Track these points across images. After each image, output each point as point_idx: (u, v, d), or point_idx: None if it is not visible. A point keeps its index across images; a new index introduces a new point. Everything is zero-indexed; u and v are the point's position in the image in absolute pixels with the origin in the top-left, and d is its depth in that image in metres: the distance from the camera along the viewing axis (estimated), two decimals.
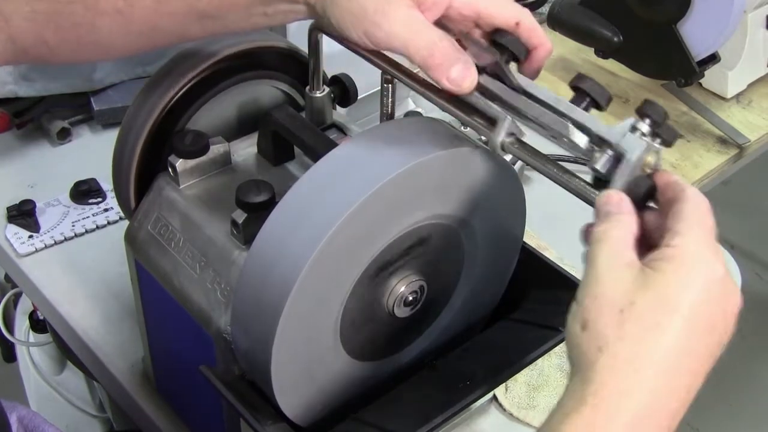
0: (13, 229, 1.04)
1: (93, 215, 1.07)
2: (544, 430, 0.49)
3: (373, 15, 0.60)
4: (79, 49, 0.69)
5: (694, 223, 0.52)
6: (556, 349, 0.81)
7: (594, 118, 0.58)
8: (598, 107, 0.59)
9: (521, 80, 0.61)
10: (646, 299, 0.49)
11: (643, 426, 0.48)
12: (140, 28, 0.67)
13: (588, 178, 0.58)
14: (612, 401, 0.48)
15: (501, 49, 0.62)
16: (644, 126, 0.55)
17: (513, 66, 0.63)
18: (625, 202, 0.53)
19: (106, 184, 1.09)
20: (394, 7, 0.60)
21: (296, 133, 0.73)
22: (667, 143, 0.56)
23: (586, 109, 0.58)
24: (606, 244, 0.52)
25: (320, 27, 0.68)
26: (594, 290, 0.51)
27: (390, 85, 0.70)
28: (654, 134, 0.55)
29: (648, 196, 0.55)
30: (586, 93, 0.58)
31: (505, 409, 0.86)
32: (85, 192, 1.08)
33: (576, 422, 0.48)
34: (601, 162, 0.56)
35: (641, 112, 0.55)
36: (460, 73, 0.60)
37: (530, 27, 0.63)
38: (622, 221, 0.53)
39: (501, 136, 0.61)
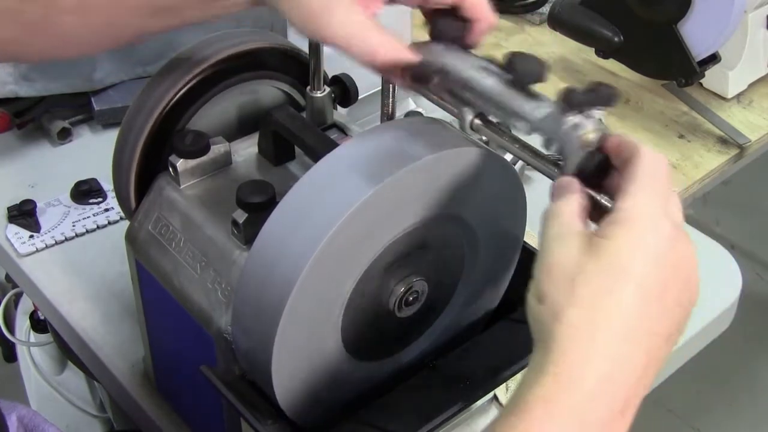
0: (13, 229, 1.04)
1: (93, 215, 1.07)
2: (510, 404, 0.50)
3: (317, 16, 0.61)
4: (47, 46, 0.71)
5: (646, 183, 0.52)
6: None
7: (533, 107, 0.58)
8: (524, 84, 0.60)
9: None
10: (597, 266, 0.50)
11: (606, 392, 0.48)
12: (100, 23, 0.68)
13: None
14: (572, 369, 0.48)
15: (440, 35, 0.64)
16: (573, 109, 0.56)
17: None
18: (573, 182, 0.55)
19: (107, 184, 1.09)
20: (335, 8, 0.61)
21: (297, 133, 0.73)
22: (607, 103, 0.56)
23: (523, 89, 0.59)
24: (555, 218, 0.53)
25: None
26: (547, 262, 0.51)
27: (391, 85, 0.70)
28: (588, 103, 0.55)
29: (601, 168, 0.55)
30: (515, 71, 0.59)
31: None
32: (85, 192, 1.08)
33: (537, 393, 0.48)
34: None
35: (566, 99, 0.55)
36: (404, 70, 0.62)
37: (471, 3, 0.63)
38: (570, 197, 0.54)
39: (470, 115, 0.62)
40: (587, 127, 0.55)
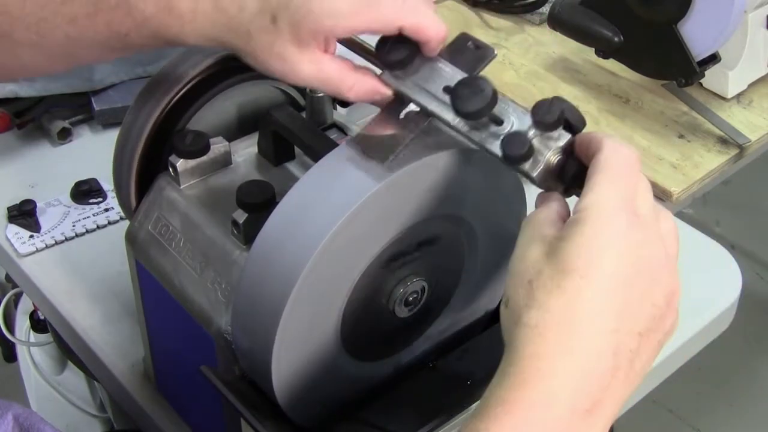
0: (13, 228, 1.04)
1: (93, 215, 1.07)
2: (476, 409, 0.50)
3: (284, 77, 0.64)
4: (4, 71, 0.72)
5: (605, 177, 0.52)
6: None
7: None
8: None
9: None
10: (552, 267, 0.50)
11: (564, 389, 0.48)
12: (59, 56, 0.69)
13: None
14: (527, 369, 0.49)
15: (386, 61, 0.64)
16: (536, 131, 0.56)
17: None
18: (551, 193, 0.56)
19: (107, 184, 1.09)
20: (299, 69, 0.63)
21: (297, 134, 0.73)
22: (575, 130, 0.56)
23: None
24: (527, 225, 0.54)
25: None
26: (512, 268, 0.52)
27: None
28: (553, 126, 0.56)
29: (575, 177, 0.56)
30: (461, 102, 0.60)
31: None
32: (85, 192, 1.08)
33: (498, 394, 0.49)
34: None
35: (534, 118, 0.56)
36: (380, 101, 0.64)
37: (413, 29, 0.62)
38: (547, 205, 0.55)
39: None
40: (550, 149, 0.56)
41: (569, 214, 0.54)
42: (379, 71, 0.65)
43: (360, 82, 0.64)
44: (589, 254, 0.50)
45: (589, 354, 0.49)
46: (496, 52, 0.64)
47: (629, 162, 0.53)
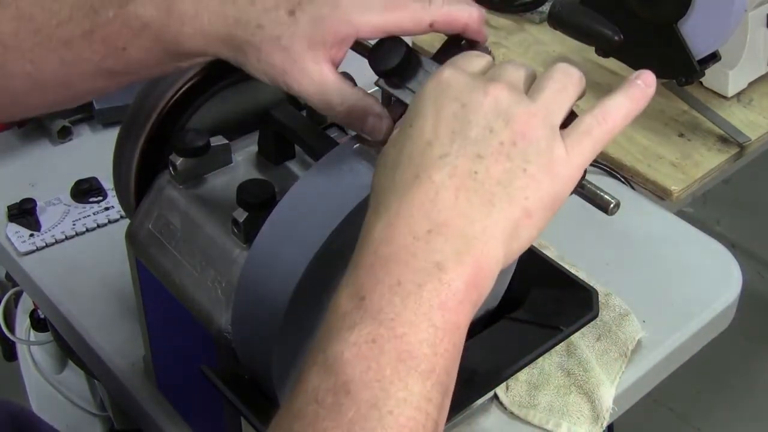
0: (13, 227, 1.04)
1: (94, 214, 1.07)
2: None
3: (282, 77, 0.61)
4: (1, 109, 0.70)
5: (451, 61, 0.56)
6: (557, 348, 0.81)
7: None
8: None
9: None
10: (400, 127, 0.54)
11: (402, 218, 0.49)
12: (53, 87, 0.67)
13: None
14: (369, 216, 0.52)
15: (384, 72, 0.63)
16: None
17: None
18: None
19: (107, 183, 1.09)
20: (300, 68, 0.61)
21: (297, 132, 0.73)
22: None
23: None
24: None
25: None
26: None
27: None
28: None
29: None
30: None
31: (505, 408, 0.86)
32: (85, 191, 1.08)
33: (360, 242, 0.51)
34: None
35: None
36: (373, 126, 0.62)
37: (444, 21, 0.62)
38: None
39: None
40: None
41: None
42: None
43: (358, 101, 0.62)
44: (412, 106, 0.54)
45: (418, 180, 0.50)
46: (491, 49, 0.63)
47: (461, 56, 0.57)
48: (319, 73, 0.61)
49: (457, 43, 0.63)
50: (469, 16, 0.62)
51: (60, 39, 0.64)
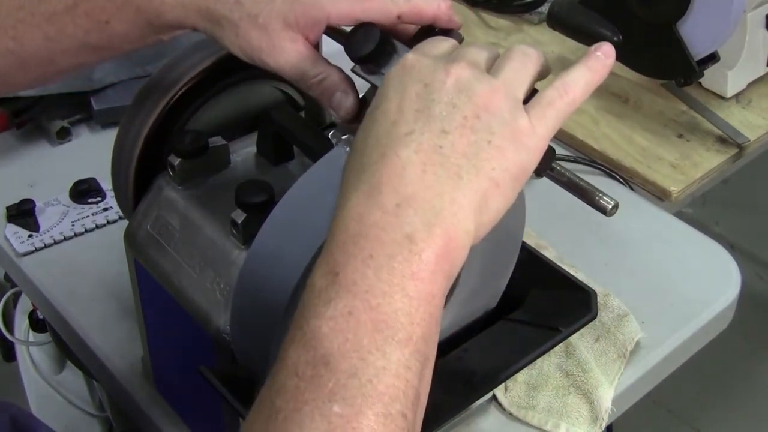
0: (12, 228, 1.04)
1: (92, 215, 1.07)
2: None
3: (259, 51, 0.63)
4: None
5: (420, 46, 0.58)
6: (556, 348, 0.81)
7: None
8: None
9: None
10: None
11: (370, 193, 0.50)
12: (36, 63, 0.68)
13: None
14: (342, 192, 0.53)
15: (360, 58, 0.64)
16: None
17: None
18: None
19: (106, 184, 1.09)
20: (276, 46, 0.63)
21: (296, 133, 0.73)
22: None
23: None
24: None
25: None
26: None
27: None
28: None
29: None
30: None
31: (504, 409, 0.86)
32: (84, 191, 1.08)
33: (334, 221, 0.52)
34: None
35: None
36: (339, 101, 0.64)
37: (412, 13, 0.63)
38: None
39: None
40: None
41: None
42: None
43: (329, 76, 0.64)
44: (379, 91, 0.55)
45: (385, 158, 0.51)
46: (463, 37, 0.64)
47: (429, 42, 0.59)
48: (295, 51, 0.63)
49: (431, 30, 0.64)
50: (438, 8, 0.63)
51: (43, 14, 0.65)
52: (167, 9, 0.64)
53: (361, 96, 0.65)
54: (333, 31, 0.67)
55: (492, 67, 0.56)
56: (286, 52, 0.63)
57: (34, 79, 0.71)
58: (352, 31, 0.63)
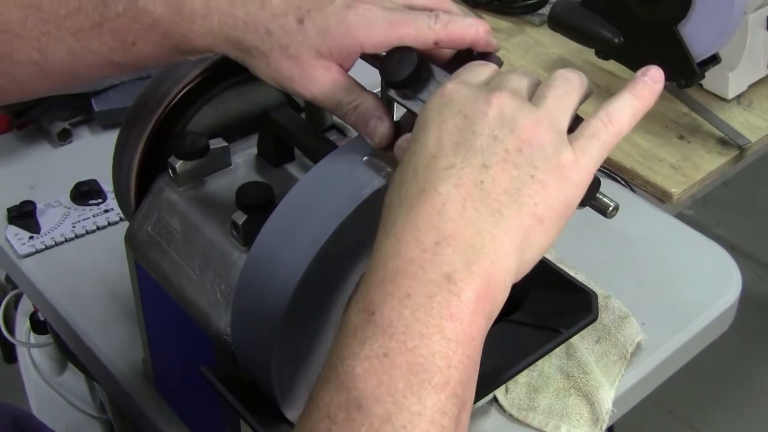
0: (13, 230, 1.04)
1: (93, 216, 1.07)
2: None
3: (291, 83, 0.62)
4: (5, 95, 0.70)
5: (457, 73, 0.57)
6: (557, 350, 0.81)
7: None
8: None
9: None
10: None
11: (408, 232, 0.49)
12: (59, 75, 0.67)
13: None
14: (380, 228, 0.51)
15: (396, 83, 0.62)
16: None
17: None
18: None
19: (107, 185, 1.09)
20: (308, 76, 0.61)
21: (296, 135, 0.73)
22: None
23: None
24: None
25: None
26: None
27: None
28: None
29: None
30: None
31: (505, 411, 0.86)
32: (85, 193, 1.08)
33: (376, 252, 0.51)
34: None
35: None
36: (374, 128, 0.61)
37: (449, 39, 0.61)
38: None
39: None
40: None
41: None
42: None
43: (363, 102, 0.62)
44: (417, 122, 0.54)
45: (424, 193, 0.50)
46: (502, 60, 0.63)
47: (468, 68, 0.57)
48: (329, 79, 0.61)
49: (468, 53, 0.63)
50: (476, 33, 0.61)
51: (69, 29, 0.64)
52: (195, 37, 0.63)
53: (396, 120, 0.63)
54: (368, 56, 0.64)
55: (533, 95, 0.54)
56: (318, 82, 0.61)
57: (54, 88, 0.70)
58: (387, 54, 0.61)
